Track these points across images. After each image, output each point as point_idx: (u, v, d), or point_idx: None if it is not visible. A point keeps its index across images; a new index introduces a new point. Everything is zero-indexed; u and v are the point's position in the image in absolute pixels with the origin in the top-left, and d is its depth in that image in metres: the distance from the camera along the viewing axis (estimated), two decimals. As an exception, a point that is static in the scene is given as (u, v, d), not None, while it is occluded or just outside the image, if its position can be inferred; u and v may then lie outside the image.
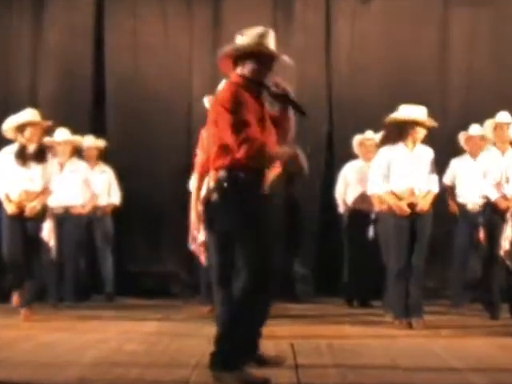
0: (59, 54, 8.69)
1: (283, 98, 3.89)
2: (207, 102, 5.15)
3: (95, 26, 8.76)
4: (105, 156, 8.20)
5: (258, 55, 3.83)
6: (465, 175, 7.25)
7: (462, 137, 7.33)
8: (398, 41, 8.54)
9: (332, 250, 8.18)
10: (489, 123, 6.54)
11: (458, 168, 7.34)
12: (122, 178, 8.16)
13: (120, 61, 8.75)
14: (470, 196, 7.13)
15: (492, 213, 6.33)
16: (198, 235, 5.92)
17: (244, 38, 3.86)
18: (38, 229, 6.41)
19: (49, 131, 7.11)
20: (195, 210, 5.47)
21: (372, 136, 7.36)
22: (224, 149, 3.77)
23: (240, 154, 3.68)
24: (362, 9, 8.51)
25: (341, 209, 7.67)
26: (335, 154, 8.60)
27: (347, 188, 7.58)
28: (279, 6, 8.62)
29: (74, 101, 8.56)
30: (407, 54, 8.52)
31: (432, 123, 5.90)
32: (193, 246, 6.70)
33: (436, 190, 5.99)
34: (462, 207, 7.32)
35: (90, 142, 7.99)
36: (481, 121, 6.84)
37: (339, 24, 8.61)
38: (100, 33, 8.75)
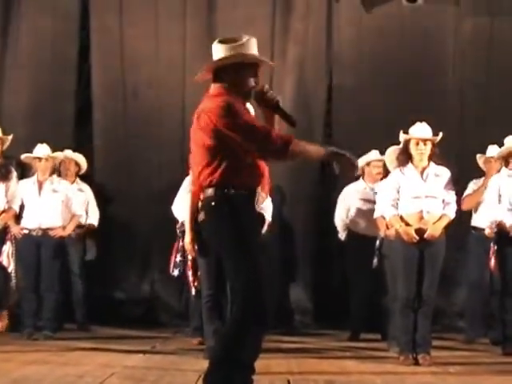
0: (36, 60, 8.62)
1: (272, 107, 3.81)
2: None
3: (80, 33, 8.72)
4: (90, 174, 8.10)
5: (239, 65, 3.80)
6: (483, 199, 7.11)
7: (480, 159, 7.22)
8: (409, 46, 8.51)
9: (333, 277, 8.11)
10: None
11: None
12: (109, 198, 8.06)
13: (108, 71, 8.71)
14: (487, 220, 6.97)
15: (505, 241, 6.24)
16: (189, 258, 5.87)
17: (221, 48, 3.82)
18: None
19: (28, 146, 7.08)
20: (189, 231, 5.38)
21: (380, 157, 7.32)
22: (211, 166, 3.72)
23: (271, 143, 3.62)
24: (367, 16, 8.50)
25: (341, 235, 7.58)
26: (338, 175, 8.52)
27: (349, 212, 7.49)
28: (276, 15, 8.60)
29: (55, 114, 8.50)
30: (420, 61, 8.47)
31: (434, 138, 5.83)
32: (176, 272, 6.66)
33: (452, 215, 5.86)
34: (477, 233, 7.15)
35: (69, 155, 7.85)
36: (499, 133, 6.75)
37: (341, 34, 8.60)
38: (85, 40, 8.72)
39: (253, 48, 3.84)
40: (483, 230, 7.03)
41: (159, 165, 8.39)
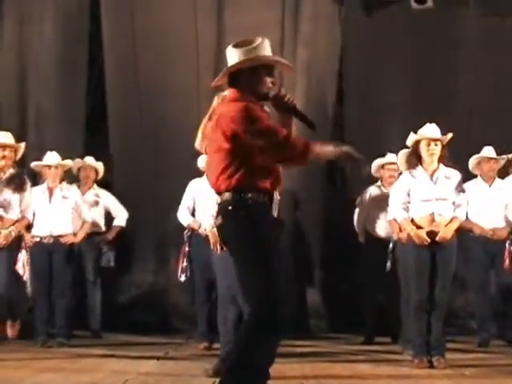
0: (45, 66, 8.60)
1: (290, 110, 3.78)
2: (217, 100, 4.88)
3: (89, 36, 8.72)
4: (106, 180, 8.10)
5: (254, 68, 3.77)
6: (480, 201, 7.05)
7: (473, 161, 7.15)
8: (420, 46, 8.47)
9: (347, 281, 8.09)
10: None
11: (471, 193, 6.99)
12: (124, 204, 8.05)
13: (121, 76, 8.70)
14: (487, 223, 7.02)
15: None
16: None
17: (236, 53, 3.79)
18: (13, 260, 6.34)
19: (38, 154, 7.08)
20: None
21: (394, 159, 7.27)
22: (229, 170, 3.69)
23: (287, 154, 3.61)
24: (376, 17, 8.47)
25: (361, 238, 7.52)
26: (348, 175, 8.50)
27: (368, 215, 7.42)
28: (286, 19, 8.57)
29: (65, 120, 8.50)
30: (430, 62, 8.41)
31: (444, 138, 5.80)
32: (183, 278, 6.68)
33: (462, 217, 5.86)
34: (477, 235, 7.10)
35: (90, 163, 7.88)
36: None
37: (350, 36, 8.58)
38: (95, 45, 8.72)
39: (266, 49, 3.81)
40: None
41: (175, 168, 8.34)
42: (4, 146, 6.49)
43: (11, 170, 6.51)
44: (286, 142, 3.63)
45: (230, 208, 3.69)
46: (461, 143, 7.28)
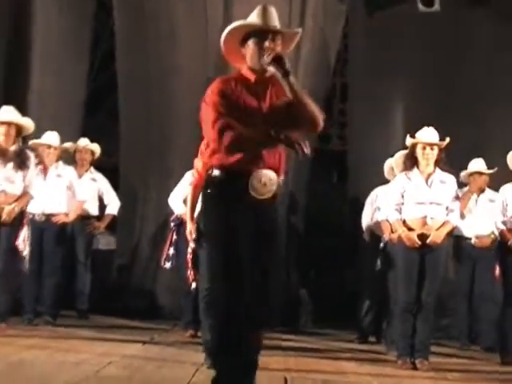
0: (46, 46, 8.54)
1: (283, 74, 3.61)
2: None
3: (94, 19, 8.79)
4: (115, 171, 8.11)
5: (256, 35, 3.66)
6: (467, 209, 7.17)
7: (463, 174, 7.25)
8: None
9: (339, 278, 8.13)
10: None
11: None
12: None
13: (132, 59, 8.71)
14: (474, 230, 7.13)
15: (506, 251, 6.24)
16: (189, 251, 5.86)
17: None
18: (14, 236, 6.34)
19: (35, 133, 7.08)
20: (189, 221, 5.35)
21: None
22: (207, 149, 3.69)
23: (223, 144, 3.51)
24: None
25: (365, 236, 7.47)
26: (349, 174, 8.53)
27: (373, 215, 7.32)
28: (292, 14, 8.58)
29: (65, 101, 8.50)
30: (434, 63, 8.44)
31: (441, 143, 5.80)
32: (168, 265, 6.67)
33: (455, 221, 5.88)
34: (463, 242, 7.23)
35: (85, 144, 7.86)
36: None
37: (355, 35, 8.60)
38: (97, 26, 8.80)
39: (274, 18, 3.69)
40: (469, 239, 7.15)
41: (183, 153, 8.35)
42: (9, 123, 6.44)
43: (14, 147, 6.47)
44: (214, 139, 3.54)
45: (203, 187, 3.65)
46: (463, 145, 7.36)
